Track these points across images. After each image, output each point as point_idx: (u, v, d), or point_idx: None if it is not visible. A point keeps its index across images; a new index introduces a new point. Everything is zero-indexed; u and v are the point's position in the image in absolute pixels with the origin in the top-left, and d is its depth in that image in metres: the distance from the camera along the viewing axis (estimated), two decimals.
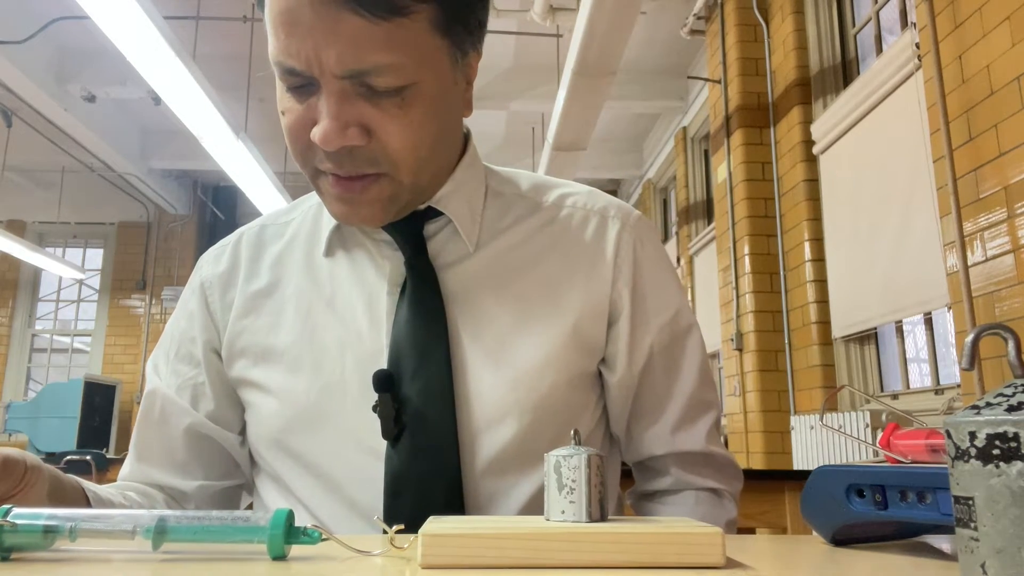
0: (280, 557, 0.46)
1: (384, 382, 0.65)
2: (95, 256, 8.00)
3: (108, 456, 5.02)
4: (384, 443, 0.66)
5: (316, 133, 0.60)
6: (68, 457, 4.65)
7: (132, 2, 2.92)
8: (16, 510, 0.46)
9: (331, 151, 0.61)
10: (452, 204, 0.71)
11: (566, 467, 0.47)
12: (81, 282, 7.96)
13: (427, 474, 0.65)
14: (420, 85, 0.61)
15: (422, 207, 0.71)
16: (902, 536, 0.58)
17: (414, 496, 0.65)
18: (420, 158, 0.64)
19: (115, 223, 7.80)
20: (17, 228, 7.47)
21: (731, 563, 0.45)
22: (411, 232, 0.70)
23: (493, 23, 4.59)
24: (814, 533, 0.58)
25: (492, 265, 0.72)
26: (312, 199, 0.79)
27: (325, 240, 0.73)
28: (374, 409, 0.65)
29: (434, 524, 0.46)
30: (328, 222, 0.74)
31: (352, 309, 0.71)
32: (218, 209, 7.86)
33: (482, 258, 0.72)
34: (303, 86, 0.61)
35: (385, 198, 0.65)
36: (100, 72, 5.13)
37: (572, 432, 0.50)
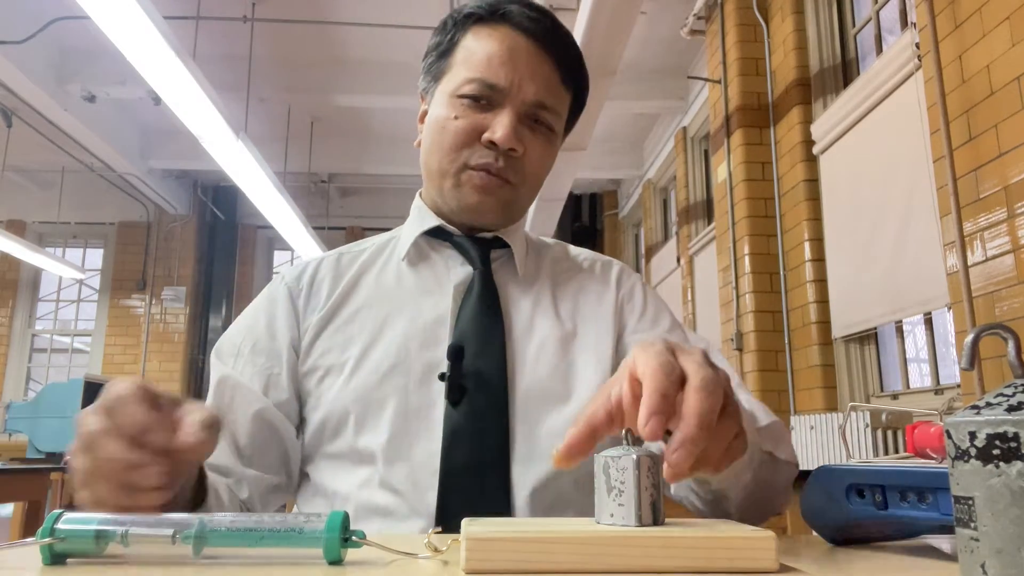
0: (336, 561, 0.45)
1: (457, 353, 0.80)
2: (95, 256, 8.00)
3: None
4: (440, 413, 0.79)
5: (496, 134, 0.82)
6: (68, 457, 4.66)
7: (132, 2, 2.92)
8: (67, 515, 0.46)
9: (503, 148, 0.82)
10: (514, 239, 0.93)
11: (614, 468, 0.46)
12: (81, 282, 7.96)
13: (481, 431, 0.78)
14: (555, 137, 0.89)
15: (490, 236, 0.91)
16: (902, 536, 0.58)
17: (468, 449, 0.77)
18: (536, 182, 0.89)
19: (115, 223, 7.80)
20: (17, 228, 7.47)
21: (784, 568, 0.44)
22: (483, 252, 0.90)
23: None
24: (814, 533, 0.58)
25: (534, 289, 0.92)
26: (379, 238, 0.97)
27: (406, 250, 0.91)
28: (441, 377, 0.80)
29: (476, 526, 0.45)
30: (405, 240, 0.92)
31: (418, 307, 0.87)
32: (218, 209, 7.86)
33: (527, 283, 0.92)
34: (486, 102, 0.84)
35: (507, 202, 0.87)
36: (100, 72, 5.13)
37: (624, 432, 0.48)
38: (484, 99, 0.83)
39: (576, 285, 0.94)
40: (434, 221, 0.90)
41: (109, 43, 3.24)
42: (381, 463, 0.78)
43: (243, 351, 0.86)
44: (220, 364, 0.86)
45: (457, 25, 0.88)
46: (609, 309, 0.91)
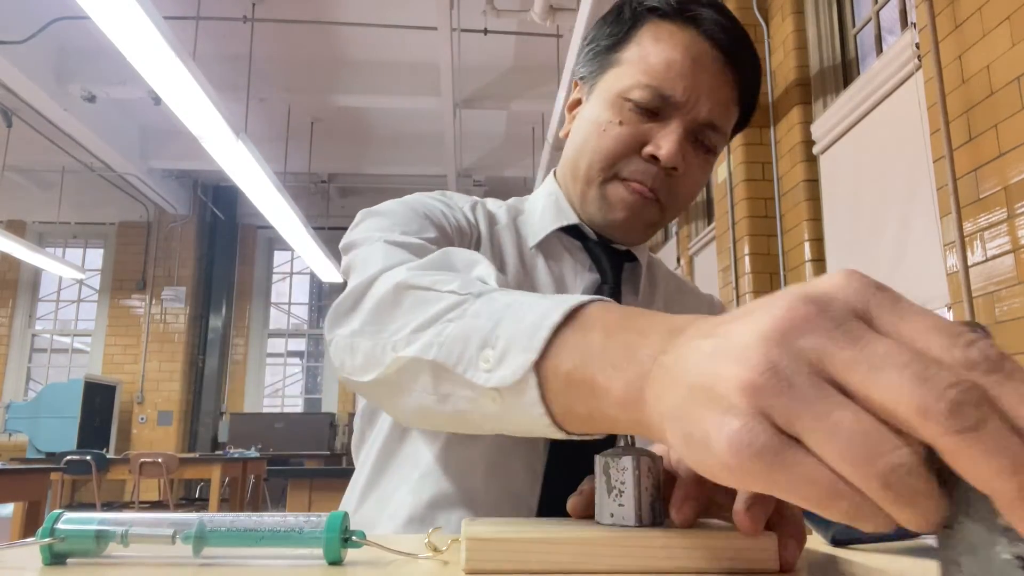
0: (336, 562, 0.45)
1: None
2: (95, 256, 8.00)
3: (108, 456, 5.01)
4: None
5: (661, 150, 0.75)
6: (68, 457, 4.64)
7: (132, 2, 2.92)
8: (67, 515, 0.46)
9: (665, 165, 0.75)
10: (643, 255, 0.88)
11: (614, 469, 0.46)
12: (81, 282, 7.96)
13: (587, 455, 0.76)
14: (715, 159, 0.81)
15: (623, 248, 0.85)
16: (902, 536, 0.58)
17: (571, 469, 0.70)
18: (685, 206, 0.83)
19: (115, 223, 7.80)
20: (17, 228, 7.48)
21: (784, 567, 0.44)
22: (617, 264, 0.84)
23: (493, 23, 4.56)
24: (814, 533, 0.58)
25: (649, 308, 0.85)
26: (504, 206, 0.89)
27: (539, 239, 0.84)
28: None
29: (476, 526, 0.45)
30: (538, 228, 0.85)
31: None
32: (218, 209, 7.86)
33: (643, 302, 0.87)
34: (654, 112, 0.76)
35: (652, 222, 0.81)
36: (100, 72, 5.13)
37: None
38: (653, 108, 0.76)
39: (680, 307, 0.91)
40: (573, 219, 0.83)
41: (109, 43, 3.24)
42: (483, 455, 0.73)
43: (431, 223, 0.74)
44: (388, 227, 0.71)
45: (636, 16, 0.79)
46: None
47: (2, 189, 6.47)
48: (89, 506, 4.81)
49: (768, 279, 3.92)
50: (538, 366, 0.40)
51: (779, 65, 4.01)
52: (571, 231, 0.84)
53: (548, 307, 0.41)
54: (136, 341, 7.65)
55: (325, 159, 6.75)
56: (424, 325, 0.49)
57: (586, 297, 0.42)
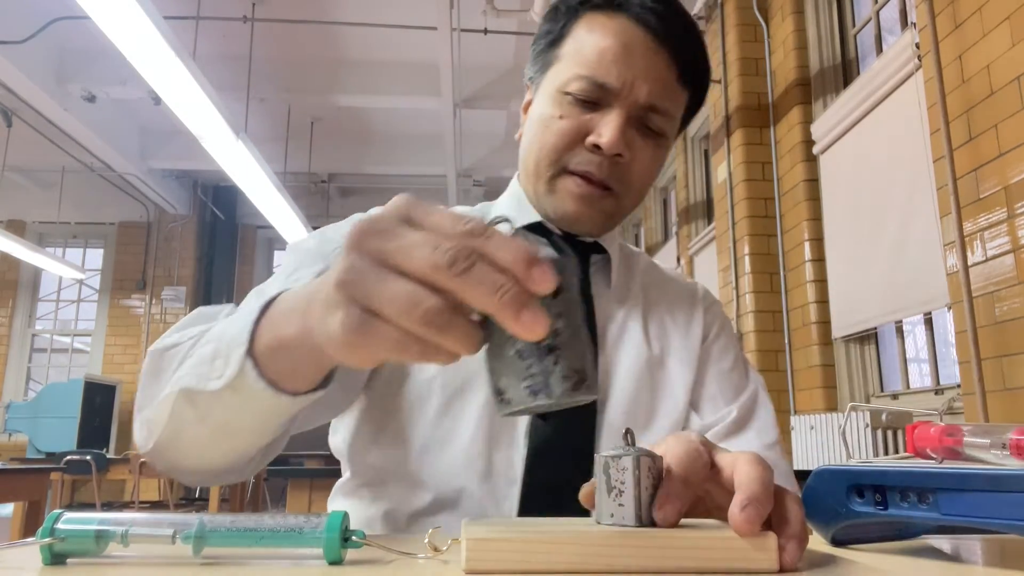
0: (336, 561, 0.45)
1: None
2: (95, 256, 8.00)
3: (108, 456, 5.01)
4: (524, 421, 0.76)
5: (602, 138, 0.75)
6: (68, 457, 4.64)
7: (132, 2, 2.92)
8: (67, 515, 0.46)
9: (609, 153, 0.76)
10: (611, 246, 0.88)
11: (614, 468, 0.46)
12: (81, 282, 7.96)
13: (569, 449, 0.76)
14: (666, 143, 0.81)
15: (590, 240, 0.85)
16: (902, 536, 0.58)
17: (554, 466, 0.75)
18: (641, 191, 0.82)
19: (115, 223, 7.80)
20: (17, 228, 7.47)
21: (784, 569, 0.44)
22: (583, 257, 0.85)
23: (493, 23, 4.56)
24: (814, 533, 0.58)
25: (627, 303, 0.88)
26: (471, 212, 0.89)
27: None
28: None
29: (476, 527, 0.45)
30: (504, 227, 0.83)
31: None
32: (218, 209, 7.86)
33: (619, 295, 0.88)
34: (593, 102, 0.77)
35: (607, 213, 0.81)
36: (100, 72, 5.13)
37: (624, 432, 0.48)
38: (592, 98, 0.77)
39: (665, 307, 0.89)
40: (535, 217, 0.84)
41: (109, 43, 3.24)
42: (459, 457, 0.75)
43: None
44: (299, 262, 0.75)
45: (570, 12, 0.81)
46: (696, 343, 0.87)
47: (2, 189, 6.47)
48: (89, 506, 4.81)
49: (768, 279, 3.92)
50: (251, 352, 0.49)
51: (779, 65, 4.01)
52: (536, 228, 0.85)
53: (252, 308, 0.51)
54: (136, 341, 7.65)
55: (325, 159, 6.75)
56: (176, 370, 0.57)
57: (278, 291, 0.52)
